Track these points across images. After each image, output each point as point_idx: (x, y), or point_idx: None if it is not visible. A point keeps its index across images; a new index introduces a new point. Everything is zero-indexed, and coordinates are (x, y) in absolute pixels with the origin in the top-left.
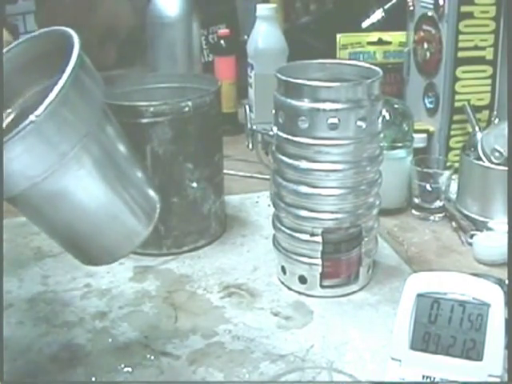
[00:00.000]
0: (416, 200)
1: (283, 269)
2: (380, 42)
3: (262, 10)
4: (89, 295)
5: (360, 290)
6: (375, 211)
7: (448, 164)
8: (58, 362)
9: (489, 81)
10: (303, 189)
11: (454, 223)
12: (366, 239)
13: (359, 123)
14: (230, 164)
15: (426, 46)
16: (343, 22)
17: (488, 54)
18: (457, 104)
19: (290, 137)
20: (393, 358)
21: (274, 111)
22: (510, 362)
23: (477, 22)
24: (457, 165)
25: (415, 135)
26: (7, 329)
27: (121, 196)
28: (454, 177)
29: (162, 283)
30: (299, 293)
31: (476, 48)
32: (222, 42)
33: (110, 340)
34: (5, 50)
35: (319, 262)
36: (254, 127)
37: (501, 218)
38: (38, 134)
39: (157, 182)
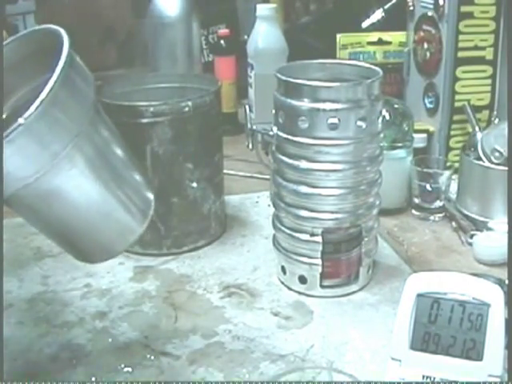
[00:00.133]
0: (416, 200)
1: (283, 269)
2: (380, 41)
3: (261, 9)
4: (89, 295)
5: (360, 289)
6: (375, 211)
7: (448, 164)
8: (58, 362)
9: (489, 81)
10: (303, 189)
11: (453, 223)
12: (366, 239)
13: (359, 123)
14: (230, 164)
15: (425, 45)
16: (343, 22)
17: (488, 54)
18: (457, 104)
19: (290, 137)
20: (393, 358)
21: (274, 111)
22: (510, 362)
23: (477, 22)
24: (457, 165)
25: (415, 135)
26: (7, 329)
27: (114, 194)
28: (454, 177)
29: (162, 283)
30: (299, 293)
31: (476, 48)
32: (221, 42)
33: (110, 340)
34: None
35: (319, 261)
36: (254, 127)
37: (501, 217)
38: (28, 136)
39: (157, 182)
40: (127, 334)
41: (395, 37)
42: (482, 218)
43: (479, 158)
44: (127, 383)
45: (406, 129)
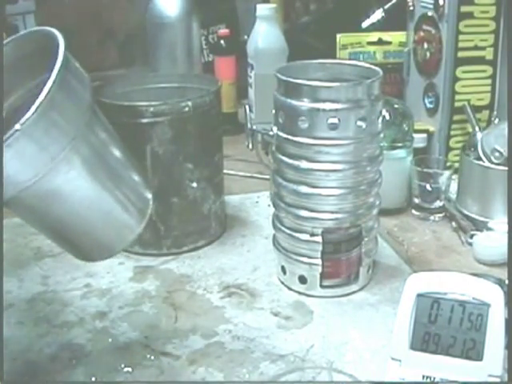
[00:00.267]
0: (416, 200)
1: (283, 269)
2: (380, 42)
3: (261, 9)
4: (89, 295)
5: (360, 290)
6: (375, 211)
7: (448, 164)
8: (58, 362)
9: (489, 81)
10: (303, 189)
11: (453, 223)
12: (366, 239)
13: (359, 123)
14: (230, 164)
15: (426, 45)
16: (343, 22)
17: (488, 54)
18: (457, 104)
19: (290, 137)
20: (393, 358)
21: (274, 111)
22: (510, 362)
23: (477, 22)
24: (457, 165)
25: (415, 135)
26: (7, 329)
27: (112, 193)
28: (454, 177)
29: (162, 283)
30: (299, 293)
31: (476, 48)
32: (221, 42)
33: (110, 340)
34: None
35: (319, 262)
36: (254, 127)
37: (501, 217)
38: (26, 140)
39: (157, 182)
40: (127, 334)
41: (395, 37)
42: (482, 218)
43: (479, 158)
44: (127, 383)
45: (406, 129)
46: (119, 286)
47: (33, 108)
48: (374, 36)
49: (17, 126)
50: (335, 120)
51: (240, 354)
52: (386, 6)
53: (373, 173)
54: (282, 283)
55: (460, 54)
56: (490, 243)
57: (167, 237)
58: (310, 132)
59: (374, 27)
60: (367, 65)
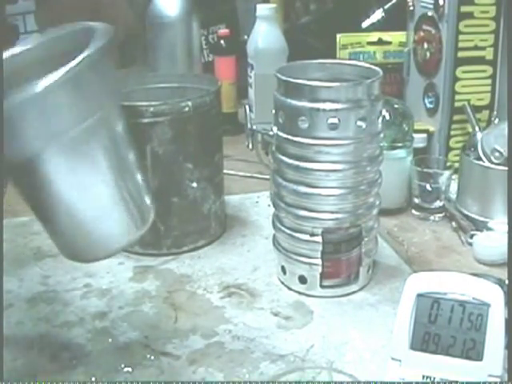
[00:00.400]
0: (416, 200)
1: (283, 269)
2: (380, 41)
3: (262, 9)
4: (89, 295)
5: (360, 289)
6: (375, 211)
7: (448, 164)
8: (57, 362)
9: (489, 81)
10: (303, 189)
11: (453, 223)
12: (366, 239)
13: (359, 123)
14: (230, 164)
15: (426, 45)
16: (343, 22)
17: (488, 54)
18: (457, 104)
19: (290, 137)
20: (393, 358)
21: (273, 111)
22: (510, 362)
23: (477, 22)
24: (457, 165)
25: (415, 135)
26: (7, 329)
27: (121, 188)
28: (454, 177)
29: (162, 283)
30: (299, 293)
31: (476, 48)
32: (221, 42)
33: (110, 340)
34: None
35: (319, 262)
36: (254, 127)
37: (501, 218)
38: (70, 87)
39: (157, 182)
40: (127, 334)
41: (395, 37)
42: (482, 218)
43: (479, 158)
44: (127, 383)
45: (406, 129)
46: (119, 285)
47: (81, 57)
48: (374, 36)
49: (83, 55)
50: (335, 120)
51: (240, 353)
52: (386, 6)
53: (373, 173)
54: (282, 283)
55: (460, 54)
56: (490, 243)
57: (167, 237)
58: (310, 132)
59: (374, 27)
60: (367, 65)
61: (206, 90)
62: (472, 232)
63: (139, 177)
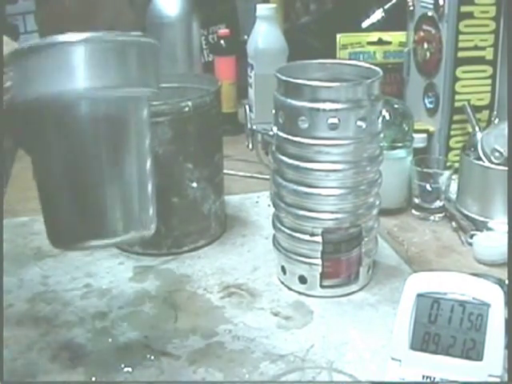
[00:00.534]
0: (416, 200)
1: (283, 269)
2: (380, 42)
3: (261, 9)
4: (89, 295)
5: (360, 289)
6: (375, 211)
7: (448, 164)
8: (58, 362)
9: (489, 81)
10: (303, 189)
11: (453, 223)
12: (366, 239)
13: (359, 123)
14: (230, 164)
15: (425, 45)
16: (343, 21)
17: (488, 54)
18: (457, 104)
19: (290, 137)
20: (393, 358)
21: (273, 111)
22: (510, 362)
23: (477, 22)
24: (457, 165)
25: (415, 135)
26: (7, 329)
27: (145, 180)
28: (454, 177)
29: (162, 283)
30: (299, 293)
31: (476, 48)
32: (221, 42)
33: (110, 340)
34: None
35: (319, 262)
36: (254, 127)
37: (501, 218)
38: (127, 48)
39: (157, 182)
40: (127, 334)
41: (395, 37)
42: (482, 218)
43: (479, 158)
44: (127, 383)
45: (406, 129)
46: (119, 285)
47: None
48: (374, 36)
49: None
50: (335, 120)
51: (240, 354)
52: (386, 6)
53: (373, 173)
54: (282, 283)
55: (460, 54)
56: (490, 243)
57: (167, 237)
58: (310, 132)
59: (374, 27)
60: (367, 65)
61: (206, 90)
62: (472, 232)
63: (150, 185)
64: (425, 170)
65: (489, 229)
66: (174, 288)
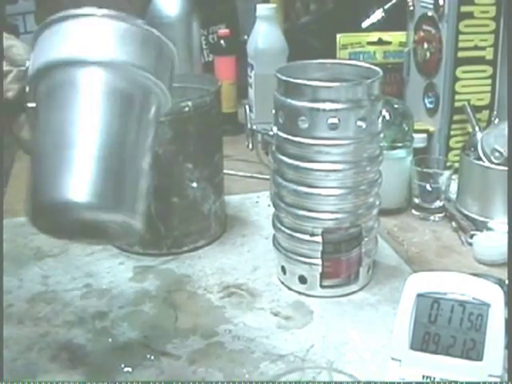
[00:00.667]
0: (416, 200)
1: (283, 269)
2: (380, 42)
3: (261, 9)
4: (89, 295)
5: (360, 289)
6: (375, 211)
7: (448, 164)
8: (57, 362)
9: (489, 81)
10: (303, 189)
11: (453, 223)
12: (366, 239)
13: (359, 123)
14: (230, 164)
15: (426, 45)
16: (343, 22)
17: (488, 54)
18: (457, 104)
19: (290, 137)
20: (393, 358)
21: (273, 111)
22: (510, 362)
23: (477, 22)
24: (457, 165)
25: (415, 135)
26: (7, 329)
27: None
28: (454, 177)
29: (161, 283)
30: (299, 293)
31: (476, 48)
32: (221, 42)
33: (110, 340)
34: None
35: (319, 262)
36: (254, 127)
37: (501, 218)
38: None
39: (157, 182)
40: (127, 334)
41: (395, 37)
42: (482, 218)
43: (479, 158)
44: (127, 383)
45: (406, 129)
46: (119, 285)
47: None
48: (374, 36)
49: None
50: (335, 120)
51: (240, 353)
52: (386, 6)
53: (373, 173)
54: (282, 283)
55: (460, 54)
56: (490, 243)
57: (167, 237)
58: (310, 132)
59: (374, 27)
60: (367, 65)
61: (206, 90)
62: (472, 232)
63: (144, 181)
64: (425, 170)
65: (489, 229)
66: (174, 288)
